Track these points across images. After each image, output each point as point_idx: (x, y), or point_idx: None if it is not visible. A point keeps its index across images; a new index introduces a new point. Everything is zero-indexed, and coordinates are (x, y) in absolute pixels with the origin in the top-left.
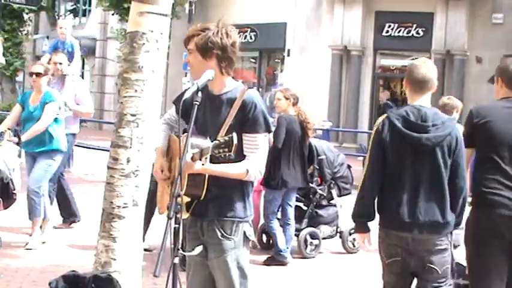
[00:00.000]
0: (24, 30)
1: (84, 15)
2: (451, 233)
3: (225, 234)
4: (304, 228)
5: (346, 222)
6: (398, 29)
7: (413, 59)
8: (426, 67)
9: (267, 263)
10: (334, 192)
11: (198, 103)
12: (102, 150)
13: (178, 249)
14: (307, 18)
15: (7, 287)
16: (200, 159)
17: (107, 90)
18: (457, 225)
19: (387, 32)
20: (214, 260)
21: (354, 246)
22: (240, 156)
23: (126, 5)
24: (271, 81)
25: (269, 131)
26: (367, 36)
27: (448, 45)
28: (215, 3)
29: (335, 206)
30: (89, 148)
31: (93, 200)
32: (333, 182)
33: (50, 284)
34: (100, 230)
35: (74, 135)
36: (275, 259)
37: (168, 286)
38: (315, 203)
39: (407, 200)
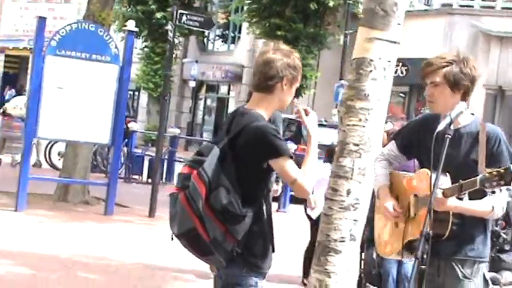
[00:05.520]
0: (174, 54)
1: (233, 42)
2: None
3: (466, 275)
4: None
5: None
6: None
7: None
8: None
9: None
10: None
11: (450, 136)
12: None
13: None
14: None
15: None
16: (458, 195)
17: None
18: None
19: None
20: None
21: None
22: None
23: (279, 33)
24: None
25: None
26: None
27: None
28: None
29: None
30: None
31: None
32: None
33: None
34: (314, 263)
35: None
36: None
37: None
38: (497, 247)
39: None
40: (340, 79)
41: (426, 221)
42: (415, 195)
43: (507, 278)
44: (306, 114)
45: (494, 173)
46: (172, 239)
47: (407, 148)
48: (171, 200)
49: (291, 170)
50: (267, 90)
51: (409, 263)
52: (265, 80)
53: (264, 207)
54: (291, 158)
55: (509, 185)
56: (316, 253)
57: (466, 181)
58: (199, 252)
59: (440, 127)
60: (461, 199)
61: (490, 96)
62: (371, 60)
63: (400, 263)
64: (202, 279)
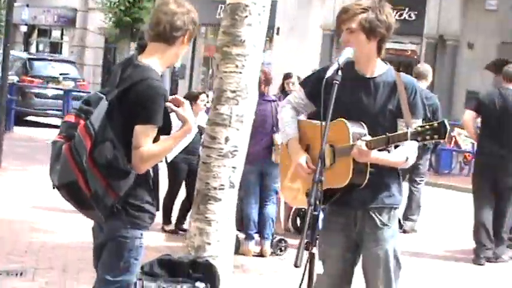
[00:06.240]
0: None
1: None
2: None
3: (384, 222)
4: None
5: None
6: None
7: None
8: (422, 66)
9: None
10: None
11: (338, 82)
12: None
13: (316, 239)
14: None
15: (38, 264)
16: (386, 147)
17: (86, 61)
18: None
19: None
20: (374, 249)
21: None
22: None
23: None
24: None
25: (425, 116)
26: None
27: (440, 30)
28: None
29: None
30: None
31: None
32: None
33: (142, 267)
34: (193, 212)
35: None
36: None
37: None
38: None
39: None
40: None
41: (318, 168)
42: (331, 146)
43: None
44: (179, 106)
45: (427, 127)
46: (53, 187)
47: (315, 96)
48: (52, 147)
49: (144, 137)
50: (169, 41)
51: (272, 205)
52: (171, 31)
53: None
54: (163, 131)
55: (444, 139)
56: (195, 202)
57: (394, 134)
58: (78, 205)
59: (329, 73)
60: (389, 151)
61: (327, 37)
62: (246, 5)
63: (261, 206)
64: (61, 228)
